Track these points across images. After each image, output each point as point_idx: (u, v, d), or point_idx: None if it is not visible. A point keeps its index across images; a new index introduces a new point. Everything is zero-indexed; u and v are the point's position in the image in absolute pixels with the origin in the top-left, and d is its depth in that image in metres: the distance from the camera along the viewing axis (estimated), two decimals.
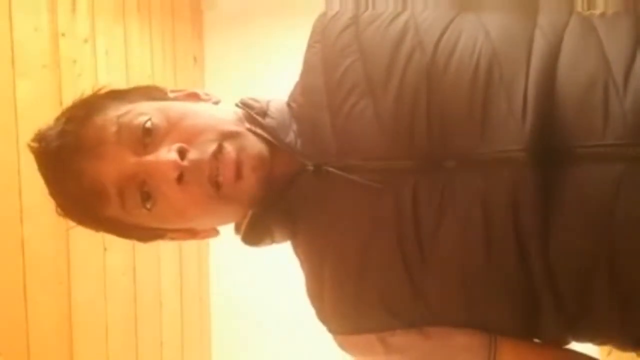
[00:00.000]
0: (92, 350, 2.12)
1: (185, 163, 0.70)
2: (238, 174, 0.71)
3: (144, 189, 0.72)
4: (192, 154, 0.71)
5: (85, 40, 2.10)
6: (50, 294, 1.89)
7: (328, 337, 0.81)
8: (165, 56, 2.69)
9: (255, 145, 0.73)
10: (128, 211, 0.74)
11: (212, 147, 0.71)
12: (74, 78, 1.96)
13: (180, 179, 0.70)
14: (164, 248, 2.64)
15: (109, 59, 2.20)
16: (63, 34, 1.96)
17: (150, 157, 0.71)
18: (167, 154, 0.70)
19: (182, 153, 0.70)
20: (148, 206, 0.72)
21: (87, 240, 2.05)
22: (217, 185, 0.71)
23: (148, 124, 0.72)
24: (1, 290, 1.70)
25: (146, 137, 0.72)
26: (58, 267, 1.92)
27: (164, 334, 2.64)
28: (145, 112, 0.73)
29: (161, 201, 0.72)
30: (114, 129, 0.72)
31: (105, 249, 2.16)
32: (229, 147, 0.71)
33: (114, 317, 2.23)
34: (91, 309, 2.10)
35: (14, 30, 1.76)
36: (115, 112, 0.74)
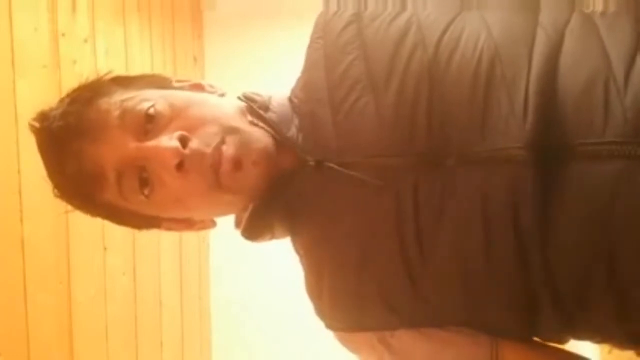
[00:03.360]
0: (92, 350, 2.12)
1: (186, 151, 0.70)
2: (236, 166, 0.71)
3: (142, 175, 0.72)
4: (194, 143, 0.71)
5: (85, 40, 2.10)
6: (50, 294, 1.89)
7: (328, 336, 0.81)
8: (165, 56, 2.69)
9: (261, 140, 0.73)
10: (125, 197, 0.74)
11: (216, 140, 0.71)
12: (74, 78, 1.95)
13: (180, 166, 0.70)
14: (164, 248, 2.64)
15: (109, 59, 2.21)
16: (63, 34, 1.96)
17: (151, 143, 0.71)
18: (169, 141, 0.70)
19: (183, 141, 0.70)
20: (146, 192, 0.72)
21: (87, 240, 2.05)
22: (217, 175, 0.71)
23: (151, 110, 0.72)
24: (1, 290, 1.70)
25: (148, 124, 0.72)
26: (58, 267, 1.92)
27: (164, 334, 2.64)
28: (149, 99, 0.73)
29: (159, 188, 0.72)
30: (116, 113, 0.72)
31: (105, 249, 2.16)
32: (230, 142, 0.71)
33: (114, 317, 2.23)
34: (91, 309, 2.10)
35: (14, 30, 1.76)
36: (119, 97, 0.74)
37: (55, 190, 0.78)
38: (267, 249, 0.88)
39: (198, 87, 0.82)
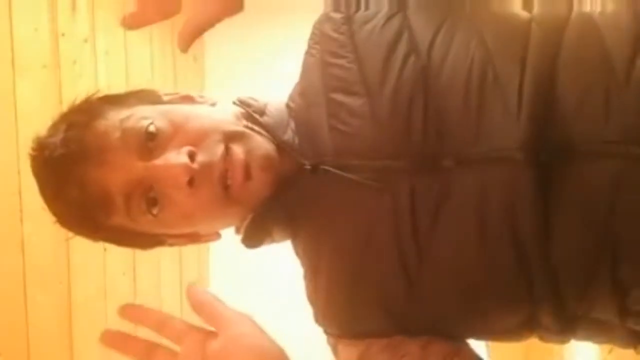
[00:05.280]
0: (92, 350, 2.11)
1: (195, 166, 0.69)
2: (247, 175, 0.71)
3: (149, 195, 0.71)
4: (201, 157, 0.70)
5: (85, 40, 2.09)
6: (50, 294, 1.89)
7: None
8: (165, 56, 2.68)
9: (262, 146, 0.73)
10: (133, 218, 0.73)
11: (220, 149, 0.70)
12: (74, 78, 1.96)
13: (191, 182, 0.69)
14: (164, 248, 2.64)
15: (109, 59, 2.20)
16: (63, 34, 1.96)
17: (158, 162, 0.70)
18: (177, 157, 0.69)
19: (191, 156, 0.69)
20: (154, 212, 0.71)
21: (87, 241, 2.05)
22: (226, 187, 0.70)
23: (151, 128, 0.71)
24: (1, 290, 1.70)
25: (149, 141, 0.71)
26: (58, 267, 1.92)
27: None
28: (147, 116, 0.72)
29: (168, 206, 0.71)
30: (117, 134, 0.71)
31: (105, 249, 2.15)
32: (237, 149, 0.71)
33: (114, 317, 2.23)
34: (91, 309, 2.10)
35: (14, 30, 1.76)
36: (116, 117, 0.73)
37: (57, 219, 0.76)
38: (268, 249, 0.88)
39: (188, 99, 0.81)
